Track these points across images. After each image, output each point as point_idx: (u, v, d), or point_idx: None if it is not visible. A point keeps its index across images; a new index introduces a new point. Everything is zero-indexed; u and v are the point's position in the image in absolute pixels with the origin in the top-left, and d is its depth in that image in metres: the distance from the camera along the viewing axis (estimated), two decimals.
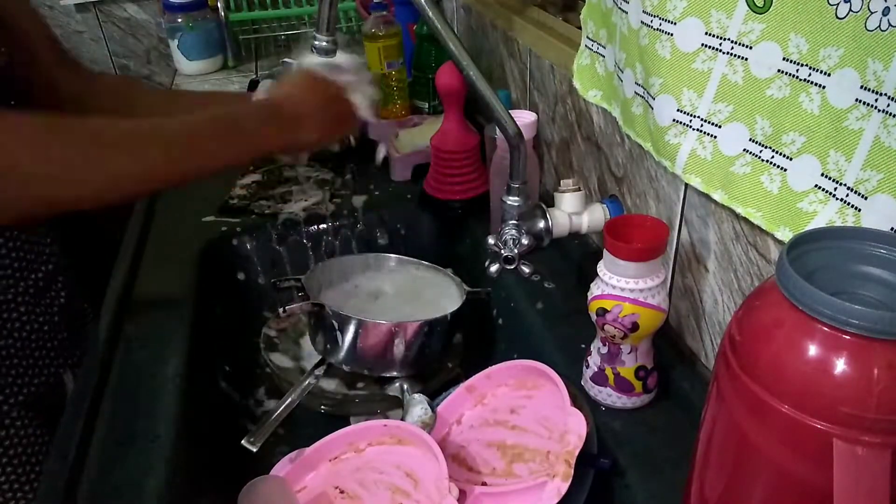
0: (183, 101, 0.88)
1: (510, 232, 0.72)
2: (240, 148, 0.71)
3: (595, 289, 0.61)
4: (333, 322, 0.76)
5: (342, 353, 0.77)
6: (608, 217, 0.73)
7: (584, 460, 0.55)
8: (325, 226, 1.00)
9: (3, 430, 0.74)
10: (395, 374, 0.79)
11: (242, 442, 0.66)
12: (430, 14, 0.69)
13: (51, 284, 0.79)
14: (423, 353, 0.78)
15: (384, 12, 1.13)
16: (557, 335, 0.74)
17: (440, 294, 0.87)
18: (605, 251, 0.60)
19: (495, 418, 0.65)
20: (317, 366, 0.80)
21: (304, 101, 0.75)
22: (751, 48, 0.52)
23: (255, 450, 0.66)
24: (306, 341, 0.89)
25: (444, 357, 0.84)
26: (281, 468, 0.63)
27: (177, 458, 0.62)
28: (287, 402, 0.73)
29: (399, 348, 0.77)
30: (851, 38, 0.44)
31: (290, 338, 0.89)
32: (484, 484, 0.59)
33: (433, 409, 0.67)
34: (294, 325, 0.90)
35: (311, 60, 0.80)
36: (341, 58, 0.80)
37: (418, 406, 0.67)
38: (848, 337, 0.34)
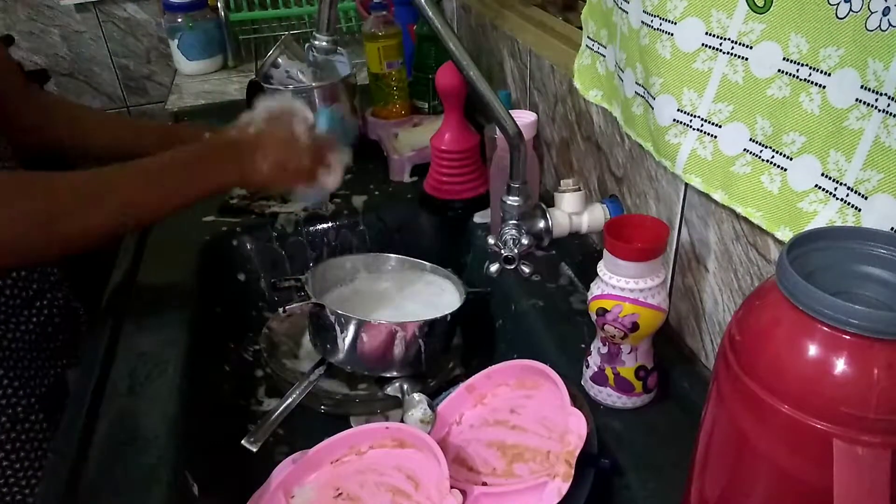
0: (131, 129, 0.90)
1: (510, 232, 0.72)
2: (194, 186, 0.74)
3: (595, 289, 0.61)
4: (333, 322, 0.76)
5: (342, 354, 0.77)
6: (608, 217, 0.73)
7: (585, 460, 0.55)
8: (325, 226, 1.00)
9: (17, 425, 0.75)
10: (395, 374, 0.79)
11: (242, 442, 0.67)
12: (430, 14, 0.69)
13: (53, 288, 0.80)
14: (423, 353, 0.78)
15: (384, 12, 1.12)
16: (557, 335, 0.74)
17: (440, 294, 0.87)
18: (605, 251, 0.60)
19: (495, 418, 0.65)
20: (317, 366, 0.80)
21: (260, 137, 0.76)
22: (751, 48, 0.52)
23: (255, 450, 0.66)
24: (306, 341, 0.89)
25: (444, 357, 0.84)
26: (282, 469, 0.63)
27: (177, 458, 0.62)
28: (287, 402, 0.73)
29: (399, 348, 0.77)
30: (851, 38, 0.43)
31: (290, 338, 0.90)
32: (484, 484, 0.59)
33: (433, 409, 0.67)
34: (294, 325, 0.90)
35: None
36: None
37: (418, 406, 0.67)
38: (848, 337, 0.34)
